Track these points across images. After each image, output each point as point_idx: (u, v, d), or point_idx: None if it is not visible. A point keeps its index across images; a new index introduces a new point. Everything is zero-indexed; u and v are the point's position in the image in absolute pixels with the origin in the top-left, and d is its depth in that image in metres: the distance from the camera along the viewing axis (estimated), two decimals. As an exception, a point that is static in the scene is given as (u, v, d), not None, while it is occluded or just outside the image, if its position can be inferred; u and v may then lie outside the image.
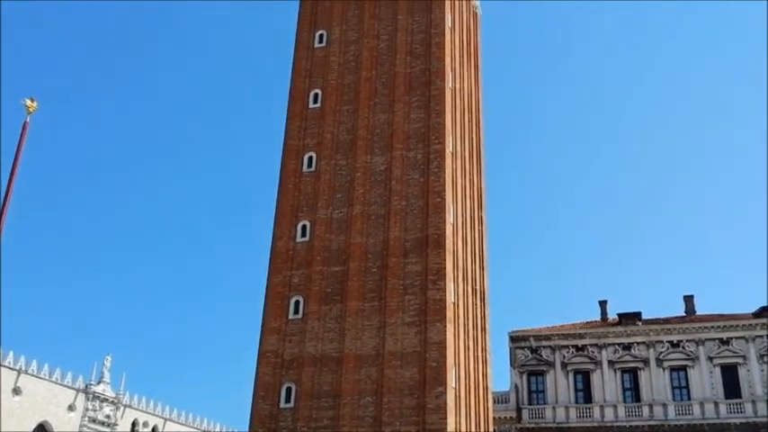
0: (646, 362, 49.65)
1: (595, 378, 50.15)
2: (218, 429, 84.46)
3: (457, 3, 46.64)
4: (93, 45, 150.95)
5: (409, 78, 42.42)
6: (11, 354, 62.25)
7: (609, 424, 48.51)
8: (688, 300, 53.62)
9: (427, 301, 36.55)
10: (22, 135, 22.68)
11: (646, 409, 48.42)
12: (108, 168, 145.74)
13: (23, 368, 62.95)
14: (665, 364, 49.39)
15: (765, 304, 50.13)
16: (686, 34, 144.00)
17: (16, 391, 62.20)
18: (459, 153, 42.66)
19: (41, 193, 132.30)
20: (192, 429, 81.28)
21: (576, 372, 50.79)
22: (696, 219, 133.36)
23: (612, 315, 53.78)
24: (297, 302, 38.94)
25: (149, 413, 76.55)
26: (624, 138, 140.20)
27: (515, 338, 52.29)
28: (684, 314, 52.83)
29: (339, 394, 35.93)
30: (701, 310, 52.94)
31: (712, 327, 49.49)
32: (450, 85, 42.72)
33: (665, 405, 48.16)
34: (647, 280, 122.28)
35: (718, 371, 48.53)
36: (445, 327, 35.92)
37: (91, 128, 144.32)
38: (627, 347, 50.37)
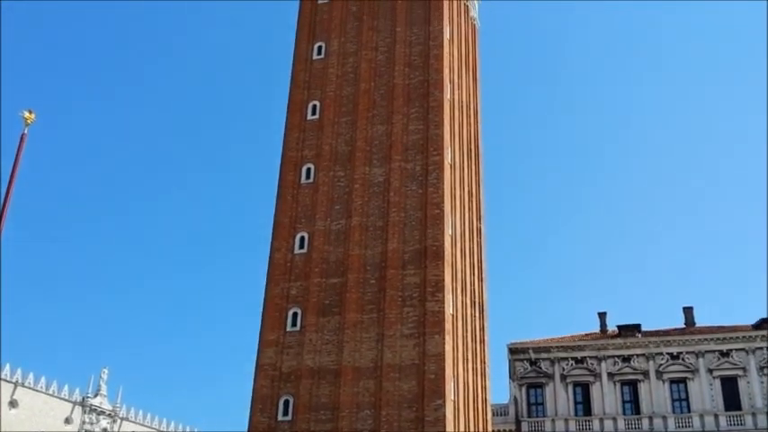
0: (645, 374, 49.49)
1: (595, 390, 49.95)
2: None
3: (456, 16, 46.85)
4: (89, 62, 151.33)
5: (408, 90, 42.50)
6: (8, 366, 61.92)
7: (609, 436, 48.32)
8: (687, 311, 53.45)
9: (426, 313, 36.43)
10: (20, 147, 22.68)
11: (645, 422, 48.22)
12: (106, 182, 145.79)
13: (20, 381, 62.61)
14: (665, 376, 49.24)
15: (765, 316, 50.07)
16: (686, 34, 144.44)
17: (13, 403, 61.83)
18: (457, 164, 42.67)
19: (39, 205, 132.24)
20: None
21: (576, 384, 50.60)
22: (696, 230, 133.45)
23: (612, 327, 53.64)
24: (295, 314, 38.81)
25: (146, 426, 76.09)
26: (624, 149, 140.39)
27: (514, 350, 52.10)
28: (684, 326, 52.67)
29: (337, 407, 35.75)
30: (700, 321, 52.83)
31: (712, 339, 49.38)
32: (449, 96, 42.78)
33: (664, 417, 47.98)
34: (646, 292, 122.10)
35: (717, 383, 48.37)
36: (444, 339, 35.78)
37: (89, 141, 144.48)
38: (626, 359, 50.22)
